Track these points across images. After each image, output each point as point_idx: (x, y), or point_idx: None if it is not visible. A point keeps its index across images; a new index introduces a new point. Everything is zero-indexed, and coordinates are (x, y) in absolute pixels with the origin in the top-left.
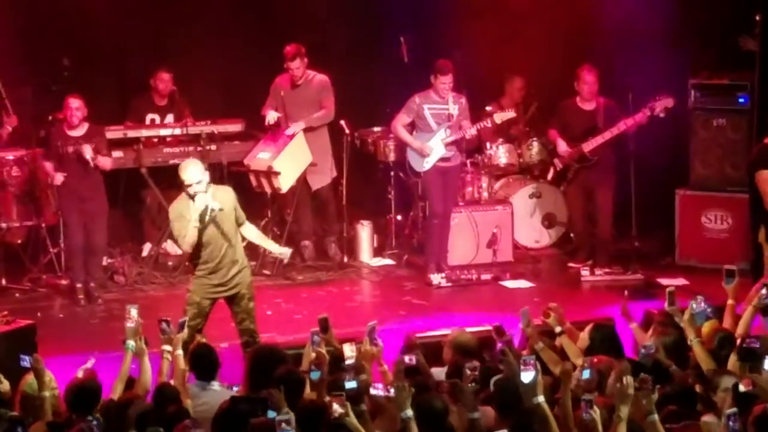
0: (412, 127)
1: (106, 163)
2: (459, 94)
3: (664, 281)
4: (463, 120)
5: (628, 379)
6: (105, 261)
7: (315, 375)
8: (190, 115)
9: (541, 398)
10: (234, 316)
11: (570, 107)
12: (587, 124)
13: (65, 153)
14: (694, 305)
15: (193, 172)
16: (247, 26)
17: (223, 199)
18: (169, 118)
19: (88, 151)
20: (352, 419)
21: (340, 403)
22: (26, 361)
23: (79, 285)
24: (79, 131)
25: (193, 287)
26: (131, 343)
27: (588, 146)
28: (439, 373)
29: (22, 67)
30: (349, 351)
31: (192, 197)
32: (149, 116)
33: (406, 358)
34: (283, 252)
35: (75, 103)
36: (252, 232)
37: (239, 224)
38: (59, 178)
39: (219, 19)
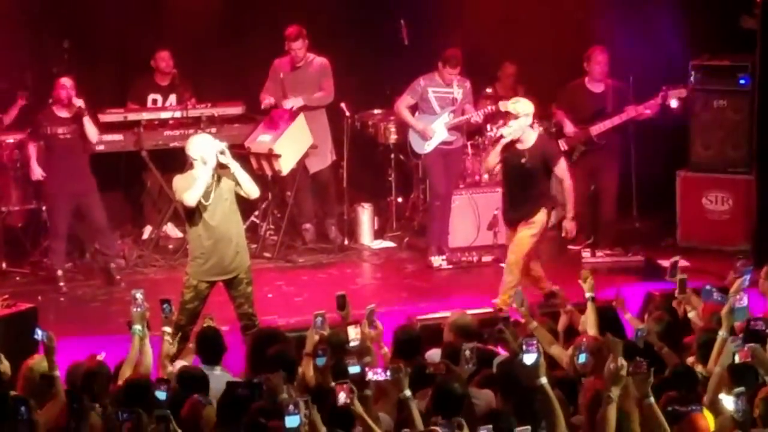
0: (414, 109)
1: (93, 132)
2: (463, 78)
3: (665, 263)
4: (466, 104)
5: (621, 361)
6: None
7: (321, 361)
8: (192, 97)
9: (544, 379)
10: (232, 300)
11: (578, 88)
12: (596, 106)
13: (53, 134)
14: (736, 302)
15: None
16: (246, 9)
17: (226, 181)
18: (172, 98)
19: (79, 101)
20: (357, 407)
21: (345, 391)
22: (39, 335)
23: (60, 272)
24: (69, 112)
25: (189, 270)
26: (138, 327)
27: (596, 130)
28: (437, 354)
29: (23, 50)
30: (353, 333)
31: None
32: (151, 96)
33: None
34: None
35: (69, 82)
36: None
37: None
38: (37, 172)
39: (219, 1)
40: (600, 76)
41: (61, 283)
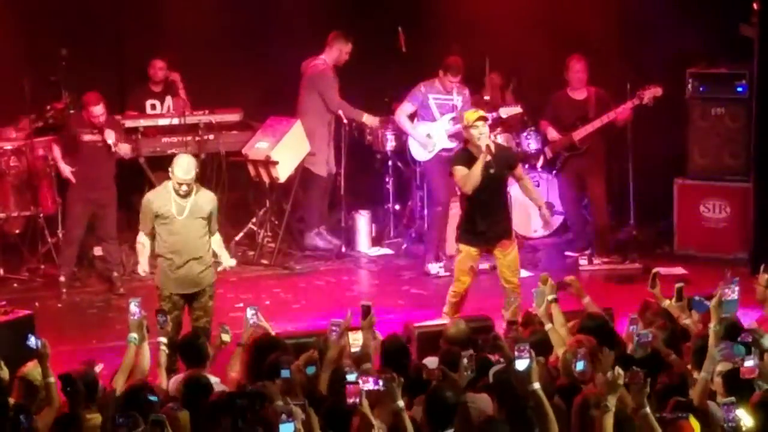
0: (413, 115)
1: (126, 149)
2: (462, 86)
3: (662, 270)
4: (465, 111)
5: (618, 371)
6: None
7: (310, 370)
8: (185, 96)
9: (536, 385)
10: (191, 312)
11: (561, 98)
12: (578, 113)
13: (82, 141)
14: (727, 293)
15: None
16: (244, 17)
17: (204, 202)
18: (168, 100)
19: (110, 137)
20: (365, 407)
21: (354, 391)
22: (32, 342)
23: (63, 278)
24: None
25: (160, 282)
26: (134, 336)
27: (577, 135)
28: (435, 362)
29: (20, 58)
30: (353, 339)
31: (177, 192)
32: (149, 102)
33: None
34: (231, 264)
35: (100, 110)
36: (215, 242)
37: (210, 232)
38: (66, 170)
39: (217, 9)
40: (579, 83)
41: (63, 290)
